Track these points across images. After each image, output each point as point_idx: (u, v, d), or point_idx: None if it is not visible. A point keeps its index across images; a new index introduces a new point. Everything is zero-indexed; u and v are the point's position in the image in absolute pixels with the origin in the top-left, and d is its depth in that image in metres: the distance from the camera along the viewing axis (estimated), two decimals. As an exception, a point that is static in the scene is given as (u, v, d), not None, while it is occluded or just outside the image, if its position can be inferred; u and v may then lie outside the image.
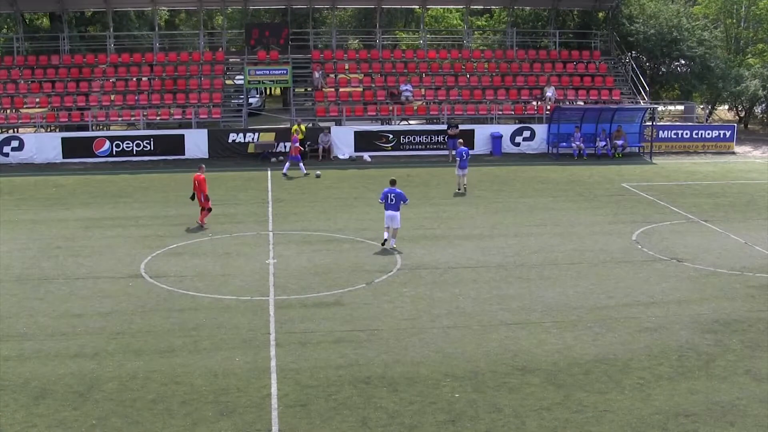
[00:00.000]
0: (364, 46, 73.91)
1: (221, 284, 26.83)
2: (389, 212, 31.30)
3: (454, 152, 45.50)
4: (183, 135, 51.73)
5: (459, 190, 41.87)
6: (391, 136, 52.57)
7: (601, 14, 66.89)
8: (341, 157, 51.84)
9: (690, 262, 29.91)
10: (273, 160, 50.15)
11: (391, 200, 31.40)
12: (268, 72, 55.74)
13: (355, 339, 22.31)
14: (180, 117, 53.82)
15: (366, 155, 51.32)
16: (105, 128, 54.67)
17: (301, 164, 45.98)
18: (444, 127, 52.85)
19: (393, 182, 32.40)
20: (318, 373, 20.12)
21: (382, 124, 55.59)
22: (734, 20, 72.10)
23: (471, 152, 48.06)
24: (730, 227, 35.13)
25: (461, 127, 52.64)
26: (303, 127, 50.67)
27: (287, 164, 46.16)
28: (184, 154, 50.98)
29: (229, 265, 29.04)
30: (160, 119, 53.58)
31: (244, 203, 39.09)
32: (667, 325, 23.50)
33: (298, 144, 46.62)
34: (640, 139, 55.10)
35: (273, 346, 21.70)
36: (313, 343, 21.94)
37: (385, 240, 31.61)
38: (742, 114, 70.22)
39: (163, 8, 75.51)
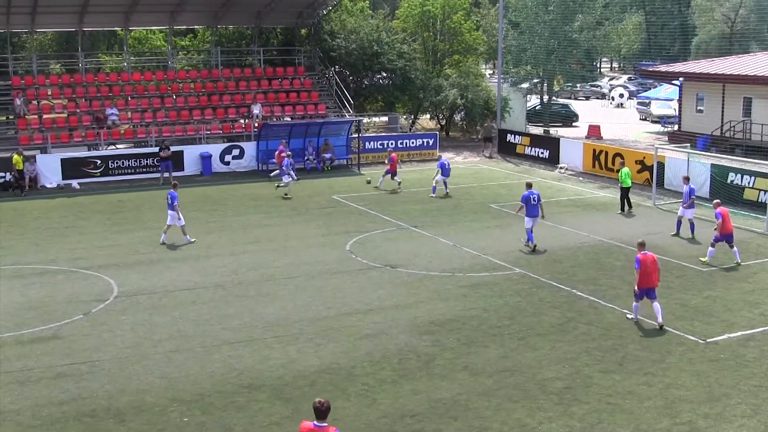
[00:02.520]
0: (67, 70, 71.95)
1: (-71, 326, 25.61)
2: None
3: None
4: None
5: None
6: (99, 161, 51.42)
7: (303, 31, 67.86)
8: (48, 185, 50.31)
9: (403, 268, 30.90)
10: (-24, 192, 48.17)
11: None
12: (-36, 101, 53.56)
13: (77, 372, 21.82)
14: None
15: (74, 182, 50.01)
16: None
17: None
18: (155, 149, 52.19)
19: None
20: (40, 411, 19.55)
21: (90, 149, 54.31)
22: (431, 33, 74.69)
23: (181, 173, 50.15)
24: (439, 231, 36.49)
25: (171, 148, 52.18)
26: (18, 157, 48.74)
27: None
28: None
29: (-64, 305, 27.75)
30: None
31: (-53, 240, 37.39)
32: (386, 330, 24.23)
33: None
34: (347, 151, 56.27)
35: (-10, 387, 20.94)
36: (32, 381, 21.28)
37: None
38: (443, 122, 72.79)
39: None
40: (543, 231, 36.33)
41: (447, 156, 58.53)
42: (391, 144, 58.34)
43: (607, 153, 50.87)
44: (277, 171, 48.17)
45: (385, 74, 69.52)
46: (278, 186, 46.01)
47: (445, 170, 46.06)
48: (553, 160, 55.50)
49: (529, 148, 57.77)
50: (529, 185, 35.39)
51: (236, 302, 27.45)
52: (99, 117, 55.43)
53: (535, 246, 33.67)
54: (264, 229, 37.86)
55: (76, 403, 19.99)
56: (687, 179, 36.96)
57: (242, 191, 46.70)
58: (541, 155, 57.01)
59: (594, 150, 52.65)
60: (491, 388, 20.47)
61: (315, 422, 14.00)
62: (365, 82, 70.26)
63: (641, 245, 25.16)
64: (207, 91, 60.21)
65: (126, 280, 30.03)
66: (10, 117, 57.37)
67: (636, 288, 24.91)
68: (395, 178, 47.57)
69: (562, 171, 53.42)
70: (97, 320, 25.86)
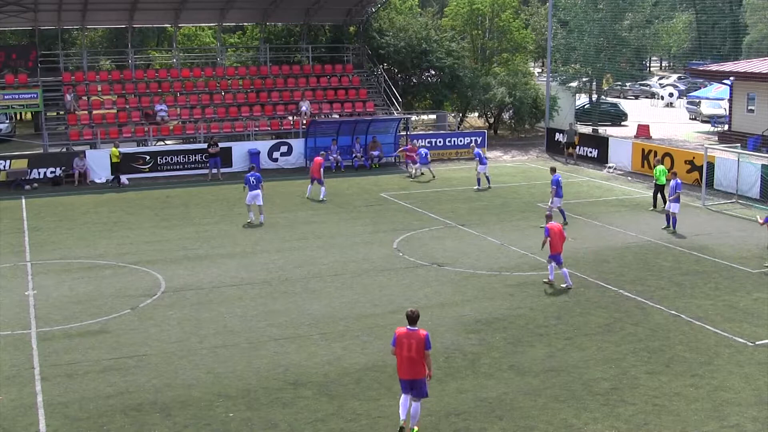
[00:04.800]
0: (117, 66, 72.54)
1: (-21, 319, 25.87)
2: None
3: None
4: (-72, 166, 49.49)
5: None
6: (148, 157, 51.75)
7: (352, 28, 67.94)
8: (98, 181, 50.71)
9: (450, 266, 30.81)
10: (27, 187, 48.55)
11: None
12: (17, 96, 53.93)
13: (124, 366, 21.95)
14: (-76, 147, 51.48)
15: (124, 178, 50.39)
16: None
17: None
18: (203, 145, 52.42)
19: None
20: (87, 404, 19.68)
21: (138, 145, 54.68)
22: (480, 31, 74.57)
23: (229, 170, 51.03)
24: (486, 230, 36.35)
25: (219, 144, 52.39)
26: (116, 150, 49.23)
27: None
28: (-70, 186, 48.76)
29: (-14, 299, 28.03)
30: None
31: (-2, 234, 37.76)
32: (433, 328, 24.11)
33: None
34: (395, 148, 56.23)
35: (38, 381, 21.06)
36: (80, 374, 21.44)
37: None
38: (492, 120, 72.58)
39: None
40: (590, 231, 36.21)
41: (494, 155, 58.45)
42: (439, 142, 58.30)
43: (656, 153, 50.40)
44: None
45: (433, 72, 69.45)
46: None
47: (482, 159, 47.15)
48: (601, 160, 55.13)
49: (578, 147, 57.36)
50: (553, 170, 38.14)
51: (283, 299, 27.50)
52: (148, 113, 55.78)
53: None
54: (311, 226, 37.91)
55: (122, 396, 20.10)
56: (674, 174, 37.60)
57: (290, 188, 46.76)
58: (589, 154, 56.64)
59: (643, 150, 52.24)
60: (537, 388, 20.36)
61: (408, 327, 17.74)
62: (413, 79, 70.26)
63: (548, 217, 29.63)
64: (255, 87, 60.38)
65: (173, 275, 30.19)
66: (61, 113, 57.89)
67: (550, 252, 28.65)
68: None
69: (611, 170, 53.05)
70: (145, 315, 26.00)
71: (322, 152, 48.11)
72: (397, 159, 55.85)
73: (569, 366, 21.70)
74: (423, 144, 55.16)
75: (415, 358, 17.57)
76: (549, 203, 37.66)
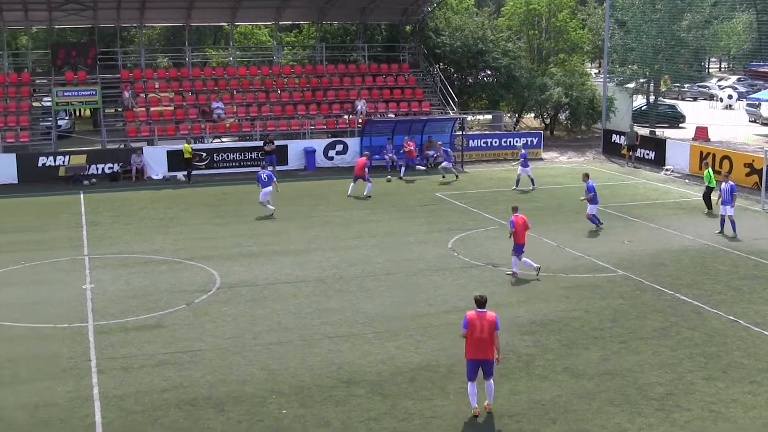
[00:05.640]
0: (174, 64, 73.05)
1: (37, 312, 26.09)
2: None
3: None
4: (-10, 160, 50.11)
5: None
6: (204, 154, 52.06)
7: (408, 28, 67.95)
8: (155, 177, 51.10)
9: (505, 267, 30.64)
10: (85, 183, 49.03)
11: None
12: (76, 93, 54.55)
13: (179, 361, 22.10)
14: (-15, 142, 52.07)
15: (180, 175, 50.73)
16: None
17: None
18: (259, 143, 52.67)
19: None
20: (142, 398, 19.84)
21: (195, 142, 55.03)
22: (536, 31, 74.29)
23: (284, 168, 51.63)
24: (542, 231, 36.10)
25: (275, 142, 52.58)
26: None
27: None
28: (-9, 180, 49.37)
29: (45, 292, 28.29)
30: (-36, 145, 51.80)
31: (57, 228, 38.06)
32: (486, 329, 24.05)
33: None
34: (450, 148, 56.09)
35: (95, 373, 21.29)
36: (135, 368, 21.63)
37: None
38: (548, 121, 72.23)
39: (-37, 29, 73.00)
40: (647, 233, 35.92)
41: (550, 156, 58.23)
42: (495, 142, 58.15)
43: (714, 155, 49.85)
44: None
45: (489, 72, 69.22)
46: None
47: (525, 162, 46.91)
48: (659, 162, 54.67)
49: (636, 148, 56.85)
50: (587, 176, 37.37)
51: (337, 297, 27.54)
52: (205, 110, 56.16)
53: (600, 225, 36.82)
54: (366, 225, 37.94)
55: (177, 391, 20.24)
56: (726, 176, 37.21)
57: (345, 186, 46.73)
58: (647, 156, 56.16)
59: (701, 152, 51.62)
60: (592, 391, 20.21)
61: (477, 309, 18.89)
62: (469, 79, 70.06)
63: (515, 209, 30.41)
64: (311, 86, 60.55)
65: (228, 271, 30.34)
66: (119, 109, 58.48)
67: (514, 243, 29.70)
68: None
69: (668, 173, 52.60)
70: (200, 310, 26.16)
71: (366, 152, 48.18)
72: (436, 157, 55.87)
73: (624, 370, 21.52)
74: (440, 143, 53.15)
75: (486, 339, 18.62)
76: (587, 211, 37.05)
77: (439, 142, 52.04)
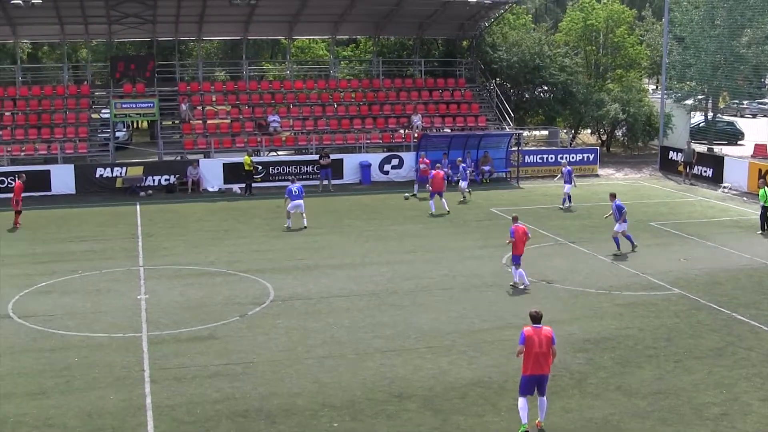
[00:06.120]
0: (231, 77, 73.57)
1: (92, 322, 26.37)
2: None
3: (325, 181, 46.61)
4: (49, 170, 50.55)
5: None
6: (260, 167, 52.32)
7: (465, 43, 67.91)
8: (210, 189, 51.46)
9: (559, 283, 30.50)
10: (142, 194, 49.50)
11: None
12: (134, 105, 55.10)
13: (231, 372, 22.18)
14: (45, 152, 52.52)
15: (235, 187, 51.04)
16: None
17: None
18: (315, 157, 52.85)
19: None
20: (194, 408, 19.93)
21: (251, 155, 55.35)
22: (594, 47, 73.92)
23: (339, 182, 51.80)
24: (596, 248, 35.90)
25: (331, 156, 52.71)
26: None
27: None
28: (50, 190, 49.79)
29: (100, 301, 28.58)
30: (24, 155, 52.33)
31: (113, 239, 38.44)
32: (540, 346, 23.90)
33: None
34: (506, 164, 56.04)
35: (148, 383, 21.43)
36: (188, 378, 21.74)
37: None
38: (604, 137, 71.81)
39: (26, 41, 73.87)
40: (703, 252, 35.55)
41: (606, 172, 57.88)
42: (551, 158, 57.85)
43: (761, 173, 49.24)
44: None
45: (546, 88, 69.00)
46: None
47: (569, 178, 45.95)
48: (716, 179, 54.14)
49: (693, 165, 56.33)
50: (613, 195, 36.41)
51: (390, 311, 27.52)
52: (261, 124, 56.41)
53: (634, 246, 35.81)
54: (421, 240, 37.89)
55: (229, 402, 20.31)
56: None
57: (399, 201, 46.78)
58: (704, 173, 55.65)
59: (760, 170, 50.98)
60: (645, 410, 19.99)
61: (533, 325, 18.88)
62: (526, 95, 69.88)
63: (515, 219, 31.11)
64: (368, 100, 60.69)
65: (282, 284, 30.43)
66: (176, 122, 58.89)
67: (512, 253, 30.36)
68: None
69: (726, 190, 52.07)
70: (253, 323, 26.25)
71: (438, 164, 48.05)
72: (508, 174, 55.72)
73: (678, 389, 21.27)
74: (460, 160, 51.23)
75: (545, 353, 18.63)
76: (614, 228, 36.16)
77: (459, 159, 50.90)
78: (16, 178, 43.67)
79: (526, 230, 30.50)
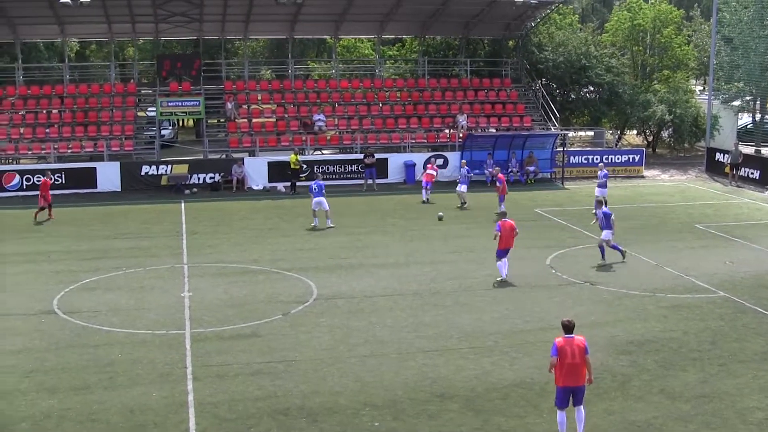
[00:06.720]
0: (277, 76, 73.72)
1: (136, 318, 26.55)
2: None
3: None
4: (95, 168, 50.96)
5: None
6: (305, 166, 52.41)
7: (511, 43, 67.70)
8: (255, 188, 51.65)
9: (603, 285, 30.33)
10: (186, 192, 49.79)
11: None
12: (180, 103, 55.38)
13: (273, 370, 22.24)
14: (91, 150, 52.94)
15: (280, 186, 51.19)
16: (14, 162, 53.68)
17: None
18: (359, 156, 52.91)
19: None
20: (236, 405, 20.01)
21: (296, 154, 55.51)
22: (641, 48, 73.44)
23: (384, 181, 51.85)
24: (641, 249, 35.65)
25: (375, 155, 52.73)
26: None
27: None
28: (96, 187, 50.26)
29: (144, 298, 28.75)
30: (71, 152, 52.68)
31: (157, 236, 38.69)
32: (582, 348, 23.79)
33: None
34: (551, 164, 55.79)
35: (190, 380, 21.55)
36: (230, 376, 21.83)
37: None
38: (650, 138, 71.35)
39: (74, 39, 74.60)
40: (749, 254, 35.21)
41: (652, 174, 57.51)
42: (596, 159, 57.42)
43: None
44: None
45: (592, 88, 68.64)
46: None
47: (602, 182, 45.49)
48: (763, 181, 53.60)
49: (741, 168, 55.85)
50: (600, 203, 36.77)
51: (433, 311, 27.48)
52: (306, 122, 56.54)
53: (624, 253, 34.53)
54: (464, 240, 37.81)
55: (270, 400, 20.37)
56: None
57: (444, 201, 46.67)
58: (751, 176, 55.14)
59: (808, 172, 50.59)
60: (688, 414, 19.83)
61: (565, 335, 18.38)
62: (572, 95, 69.51)
63: (503, 214, 32.44)
64: (413, 100, 60.65)
65: (325, 283, 30.47)
66: (221, 120, 59.30)
67: (498, 248, 30.71)
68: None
69: (773, 193, 51.62)
70: (296, 321, 26.30)
71: (497, 167, 47.77)
72: (553, 175, 55.51)
73: (722, 393, 21.08)
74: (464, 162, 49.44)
75: (578, 364, 18.21)
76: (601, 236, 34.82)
77: (463, 161, 49.24)
78: (42, 176, 45.24)
79: (514, 225, 31.01)
